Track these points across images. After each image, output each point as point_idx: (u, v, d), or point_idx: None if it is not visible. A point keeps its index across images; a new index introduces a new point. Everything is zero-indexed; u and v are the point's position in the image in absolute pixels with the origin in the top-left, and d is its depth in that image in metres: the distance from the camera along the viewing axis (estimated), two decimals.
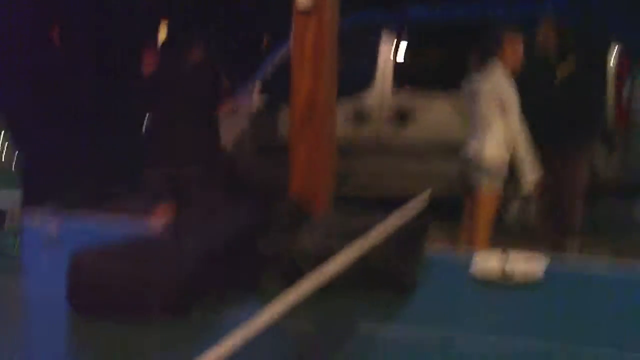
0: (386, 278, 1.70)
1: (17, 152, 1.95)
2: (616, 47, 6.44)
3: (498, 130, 4.81)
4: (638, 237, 6.41)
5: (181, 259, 1.62)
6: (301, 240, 1.79)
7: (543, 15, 5.58)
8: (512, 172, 5.03)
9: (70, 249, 1.64)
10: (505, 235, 6.33)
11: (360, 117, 7.01)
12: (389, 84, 7.04)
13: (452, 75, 5.91)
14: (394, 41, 7.17)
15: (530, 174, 4.85)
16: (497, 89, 4.82)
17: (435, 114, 6.84)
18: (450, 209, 5.31)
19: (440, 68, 7.63)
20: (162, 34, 5.95)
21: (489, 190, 4.88)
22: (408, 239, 1.83)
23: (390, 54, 7.14)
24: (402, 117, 6.94)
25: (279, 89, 6.84)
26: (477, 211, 4.91)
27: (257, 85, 7.26)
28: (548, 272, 1.90)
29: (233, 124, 6.60)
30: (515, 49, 4.89)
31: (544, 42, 5.46)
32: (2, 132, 1.94)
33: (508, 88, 4.83)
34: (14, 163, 1.95)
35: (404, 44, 7.36)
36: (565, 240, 5.68)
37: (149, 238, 1.84)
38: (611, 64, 6.41)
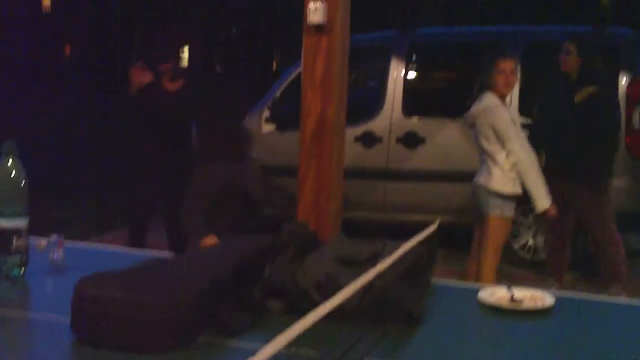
0: (394, 308, 1.67)
1: (25, 176, 1.95)
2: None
3: (502, 159, 4.76)
4: None
5: (186, 286, 1.61)
6: (309, 268, 1.77)
7: (566, 38, 5.55)
8: (524, 201, 4.96)
9: (74, 276, 1.63)
10: (515, 266, 6.32)
11: (369, 140, 6.98)
12: (399, 108, 7.02)
13: (463, 99, 5.90)
14: (403, 63, 7.16)
15: (539, 203, 4.79)
16: (490, 119, 4.76)
17: (445, 139, 6.81)
18: (459, 236, 5.30)
19: (451, 91, 7.63)
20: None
21: (498, 219, 4.82)
22: (416, 269, 1.82)
23: (400, 76, 7.12)
24: (412, 141, 6.91)
25: (288, 110, 6.87)
26: (486, 240, 4.86)
27: (267, 106, 7.26)
28: (559, 299, 1.89)
29: None
30: (506, 75, 4.81)
31: (565, 65, 5.43)
32: (13, 155, 1.93)
33: (500, 117, 4.76)
34: (22, 187, 1.95)
35: (414, 66, 7.37)
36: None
37: (154, 266, 1.83)
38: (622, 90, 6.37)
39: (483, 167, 4.90)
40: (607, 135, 5.44)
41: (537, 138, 5.43)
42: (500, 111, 4.79)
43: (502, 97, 4.86)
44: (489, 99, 4.81)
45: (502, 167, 4.76)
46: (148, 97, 5.23)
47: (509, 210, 4.83)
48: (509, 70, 4.84)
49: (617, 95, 6.02)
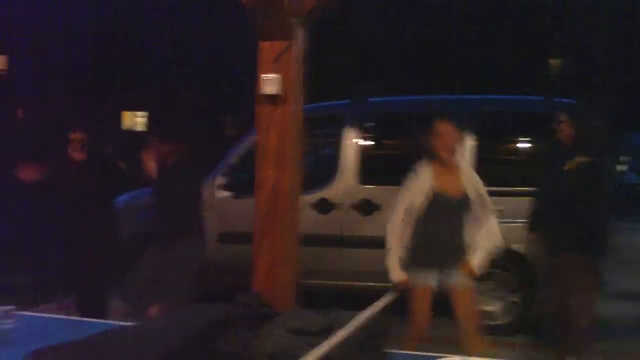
0: None
1: None
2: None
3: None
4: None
5: (142, 358, 1.59)
6: (263, 339, 1.76)
7: (558, 110, 5.59)
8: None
9: (24, 348, 1.59)
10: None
11: (324, 207, 7.01)
12: (354, 175, 7.07)
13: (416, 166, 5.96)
14: (357, 131, 7.24)
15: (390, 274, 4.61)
16: (423, 190, 4.62)
17: None
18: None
19: (405, 158, 7.71)
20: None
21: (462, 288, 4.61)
22: (370, 340, 1.82)
23: (353, 144, 7.19)
24: (366, 208, 6.94)
25: (243, 177, 6.88)
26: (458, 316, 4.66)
27: (222, 173, 7.26)
28: None
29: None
30: (444, 138, 4.62)
31: (560, 133, 5.42)
32: None
33: (405, 186, 4.65)
34: None
35: (367, 135, 7.45)
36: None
37: (108, 337, 1.80)
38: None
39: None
40: (597, 205, 5.29)
41: (538, 205, 5.52)
42: (409, 180, 4.67)
43: (444, 163, 4.66)
44: (418, 167, 4.71)
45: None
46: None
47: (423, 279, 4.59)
48: (447, 132, 4.64)
49: (608, 165, 5.96)
